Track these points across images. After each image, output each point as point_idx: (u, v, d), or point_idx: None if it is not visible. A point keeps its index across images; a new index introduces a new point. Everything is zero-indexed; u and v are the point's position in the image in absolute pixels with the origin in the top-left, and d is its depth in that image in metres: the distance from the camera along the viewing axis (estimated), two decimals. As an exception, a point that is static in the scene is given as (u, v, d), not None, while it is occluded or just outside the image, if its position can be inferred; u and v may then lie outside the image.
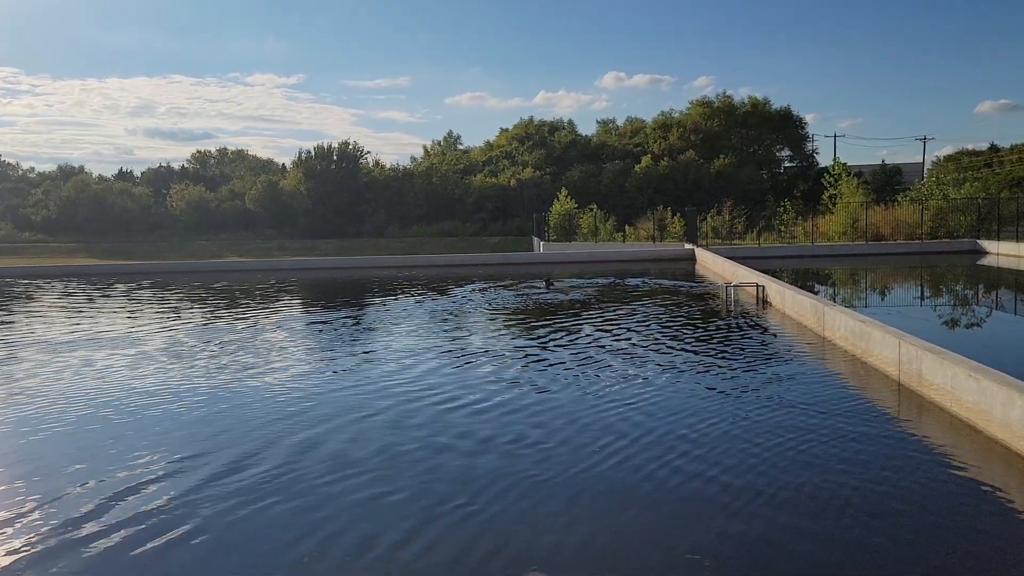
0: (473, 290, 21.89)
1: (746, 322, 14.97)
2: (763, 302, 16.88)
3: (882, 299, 19.32)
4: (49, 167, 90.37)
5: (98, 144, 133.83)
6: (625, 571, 4.82)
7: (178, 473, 6.68)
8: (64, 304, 21.51)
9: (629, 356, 11.41)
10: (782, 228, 38.75)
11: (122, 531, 5.50)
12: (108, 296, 23.36)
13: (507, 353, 11.95)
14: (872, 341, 10.17)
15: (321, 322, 16.29)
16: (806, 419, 7.90)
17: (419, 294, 21.18)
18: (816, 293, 17.18)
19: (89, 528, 5.56)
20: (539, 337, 13.55)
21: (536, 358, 11.48)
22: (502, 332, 14.62)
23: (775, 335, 13.32)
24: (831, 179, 40.50)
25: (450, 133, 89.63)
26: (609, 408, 8.46)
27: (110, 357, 12.44)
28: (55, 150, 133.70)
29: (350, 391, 9.67)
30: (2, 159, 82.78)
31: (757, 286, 17.60)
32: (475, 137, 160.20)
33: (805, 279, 23.76)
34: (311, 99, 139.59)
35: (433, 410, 8.59)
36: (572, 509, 5.75)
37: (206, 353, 12.66)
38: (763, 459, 6.69)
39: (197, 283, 27.05)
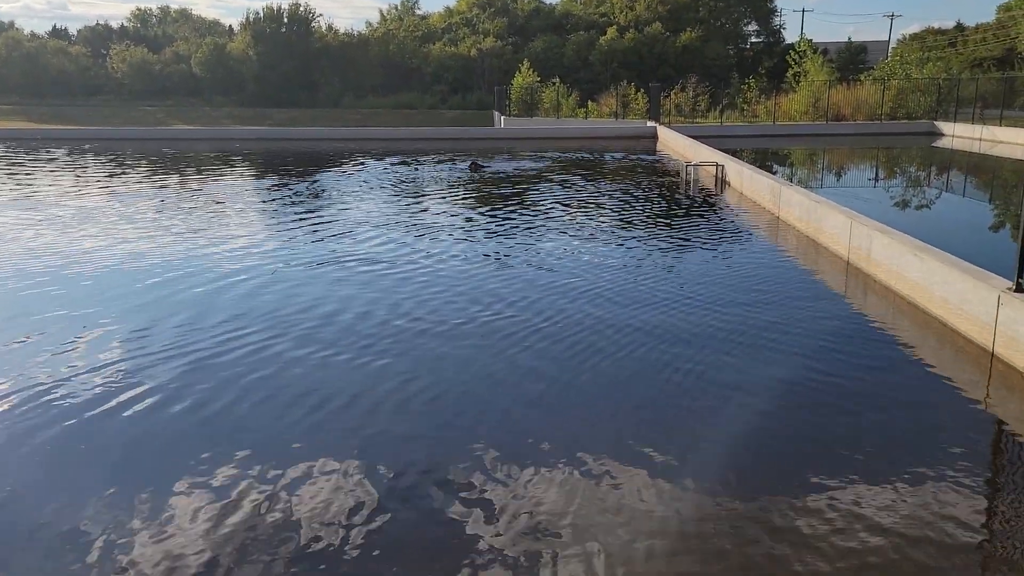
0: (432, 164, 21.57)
1: (703, 202, 15.10)
2: (722, 182, 16.98)
3: (837, 180, 19.59)
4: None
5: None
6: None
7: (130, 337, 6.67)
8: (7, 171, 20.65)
9: (579, 233, 11.49)
10: (745, 107, 38.46)
11: (112, 397, 5.54)
12: (62, 164, 22.46)
13: (455, 225, 11.94)
14: (825, 221, 10.38)
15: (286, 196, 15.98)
16: (754, 296, 8.14)
17: (381, 169, 20.81)
18: (775, 173, 17.31)
19: (60, 396, 5.58)
20: (490, 211, 13.52)
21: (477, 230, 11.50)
22: (450, 204, 14.55)
23: (730, 214, 13.52)
24: (796, 56, 39.99)
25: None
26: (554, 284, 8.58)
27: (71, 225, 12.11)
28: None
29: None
30: (-78, 12, 76.74)
31: (717, 165, 17.65)
32: (434, 2, 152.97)
33: (764, 159, 23.88)
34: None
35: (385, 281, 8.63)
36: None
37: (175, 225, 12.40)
38: (705, 335, 6.91)
39: (146, 152, 26.08)
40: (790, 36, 70.93)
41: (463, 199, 15.55)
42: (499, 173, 19.47)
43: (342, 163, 22.09)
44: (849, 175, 20.85)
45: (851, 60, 64.05)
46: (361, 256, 10.03)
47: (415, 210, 13.95)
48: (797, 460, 4.76)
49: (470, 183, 17.78)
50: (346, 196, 15.56)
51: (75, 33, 79.70)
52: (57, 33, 78.78)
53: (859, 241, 9.16)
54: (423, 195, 15.84)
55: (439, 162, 22.29)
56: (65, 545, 3.85)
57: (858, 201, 13.67)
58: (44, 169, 21.14)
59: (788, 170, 21.81)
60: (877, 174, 21.14)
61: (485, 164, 21.05)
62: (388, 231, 11.70)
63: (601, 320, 7.26)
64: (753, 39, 74.10)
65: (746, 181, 15.13)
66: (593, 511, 4.11)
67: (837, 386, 5.80)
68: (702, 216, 13.47)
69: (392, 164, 21.63)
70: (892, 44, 72.95)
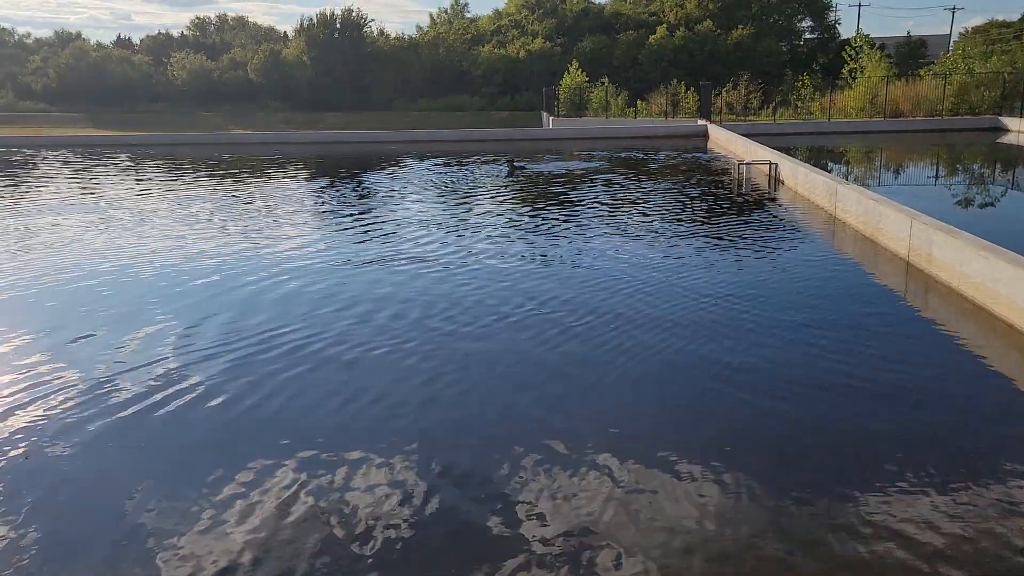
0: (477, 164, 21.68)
1: (757, 201, 14.87)
2: (776, 180, 16.69)
3: (896, 178, 19.07)
4: (45, 33, 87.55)
5: (94, 8, 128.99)
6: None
7: (187, 337, 6.88)
8: (85, 175, 21.45)
9: (625, 232, 11.42)
10: (799, 104, 37.69)
11: (146, 398, 5.73)
12: (131, 169, 23.25)
13: (507, 224, 11.98)
14: (884, 220, 10.13)
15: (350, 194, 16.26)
16: (809, 296, 7.99)
17: (429, 169, 21.02)
18: (830, 171, 16.94)
19: (114, 389, 5.79)
20: (538, 209, 13.53)
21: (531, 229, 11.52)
22: (503, 203, 14.60)
23: (784, 213, 13.28)
24: (852, 52, 39.02)
25: (456, 0, 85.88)
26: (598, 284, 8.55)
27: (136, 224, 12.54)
28: (51, 15, 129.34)
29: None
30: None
31: (770, 164, 17.35)
32: (483, 4, 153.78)
33: (819, 157, 23.38)
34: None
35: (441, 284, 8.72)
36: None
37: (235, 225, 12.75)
38: (762, 336, 6.81)
39: (203, 156, 26.81)
40: (846, 31, 69.31)
41: (508, 199, 15.60)
42: (544, 173, 19.48)
43: (390, 165, 22.36)
44: (908, 173, 20.28)
45: (910, 55, 62.11)
46: (406, 255, 10.17)
47: (460, 210, 14.06)
48: (860, 466, 4.67)
49: (515, 183, 17.83)
50: (393, 197, 15.76)
51: (138, 42, 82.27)
52: (121, 43, 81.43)
53: (920, 241, 8.92)
54: (468, 195, 15.95)
55: (484, 163, 22.40)
56: (121, 539, 4.00)
57: (918, 200, 13.30)
58: (108, 174, 21.88)
59: (844, 168, 21.31)
60: (938, 172, 20.52)
61: (521, 164, 21.03)
62: (434, 231, 11.81)
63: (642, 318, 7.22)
64: (807, 35, 72.51)
65: (801, 179, 14.85)
66: (630, 515, 4.10)
67: (897, 386, 5.66)
68: (755, 215, 13.26)
69: (439, 165, 21.82)
70: (954, 38, 70.71)
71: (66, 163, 25.05)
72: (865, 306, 7.71)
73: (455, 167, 21.48)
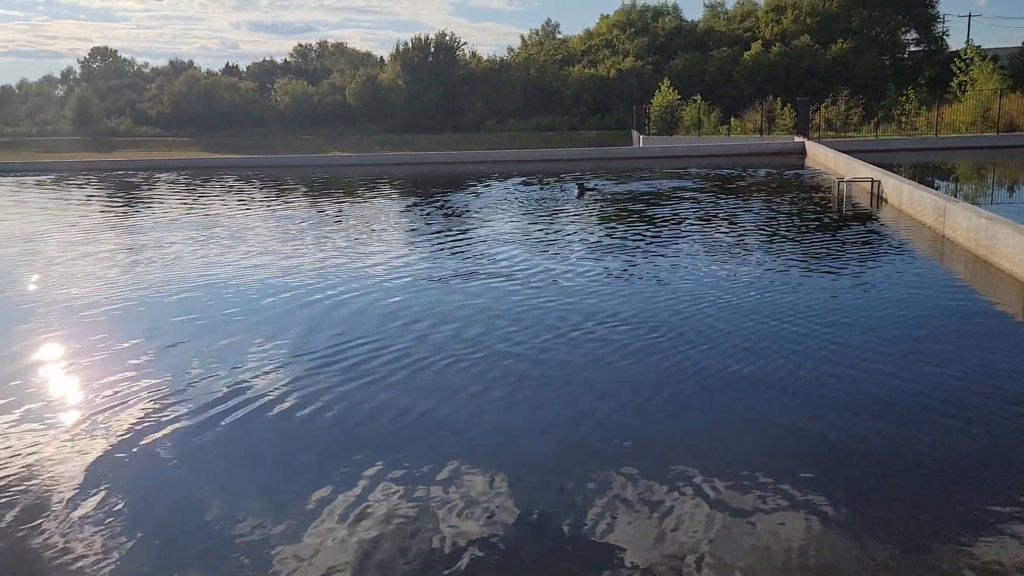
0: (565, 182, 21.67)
1: (858, 219, 14.27)
2: (879, 199, 15.99)
3: (1011, 195, 17.96)
4: (161, 62, 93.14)
5: (205, 38, 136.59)
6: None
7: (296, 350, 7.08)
8: (190, 194, 22.66)
9: (728, 251, 11.12)
10: (903, 119, 36.09)
11: (254, 402, 5.92)
12: (241, 189, 24.43)
13: (606, 240, 11.87)
14: (999, 240, 9.51)
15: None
16: (917, 318, 7.57)
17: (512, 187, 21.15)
18: (937, 189, 16.10)
19: (222, 400, 6.00)
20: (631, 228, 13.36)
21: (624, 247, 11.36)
22: (598, 221, 14.49)
23: (888, 232, 12.68)
24: (962, 64, 37.15)
25: (548, 22, 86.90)
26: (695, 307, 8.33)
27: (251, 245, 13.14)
28: (166, 45, 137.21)
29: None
30: (119, 55, 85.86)
31: (872, 181, 16.64)
32: (574, 25, 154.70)
33: (925, 174, 22.28)
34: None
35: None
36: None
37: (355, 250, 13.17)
38: (872, 362, 6.47)
39: (303, 177, 27.85)
40: (955, 43, 66.03)
41: (591, 217, 15.48)
42: (632, 191, 19.27)
43: (479, 185, 22.62)
44: (1025, 190, 19.06)
45: (1026, 66, 58.64)
46: (489, 272, 10.20)
47: (545, 228, 14.03)
48: (967, 506, 4.34)
49: (599, 201, 17.70)
50: (476, 216, 15.91)
51: (244, 69, 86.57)
52: (229, 70, 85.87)
53: (1039, 261, 8.32)
54: (552, 213, 15.91)
55: (568, 182, 22.33)
56: (222, 544, 4.12)
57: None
58: (213, 194, 23.00)
59: (953, 185, 20.22)
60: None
61: (591, 186, 20.26)
62: (518, 248, 11.83)
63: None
64: (912, 48, 69.51)
65: (906, 197, 14.16)
66: (720, 538, 3.92)
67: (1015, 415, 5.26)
68: (856, 233, 12.72)
69: (525, 184, 21.91)
70: (1076, 47, 66.28)
71: (175, 184, 26.50)
72: (980, 336, 7.23)
73: (537, 186, 21.52)
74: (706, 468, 4.67)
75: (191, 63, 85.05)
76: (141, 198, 23.05)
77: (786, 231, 13.01)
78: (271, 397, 6.06)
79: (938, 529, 4.01)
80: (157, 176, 30.09)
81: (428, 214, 16.85)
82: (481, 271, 10.47)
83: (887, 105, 38.93)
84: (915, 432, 5.12)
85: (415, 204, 18.81)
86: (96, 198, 23.47)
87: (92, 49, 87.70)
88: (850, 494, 4.36)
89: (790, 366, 6.34)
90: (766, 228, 13.33)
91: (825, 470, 4.69)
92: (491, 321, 7.92)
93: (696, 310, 8.02)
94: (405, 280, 10.12)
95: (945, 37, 68.35)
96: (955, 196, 15.41)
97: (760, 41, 63.78)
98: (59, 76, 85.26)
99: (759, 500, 4.30)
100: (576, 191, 19.22)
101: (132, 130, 68.22)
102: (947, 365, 6.31)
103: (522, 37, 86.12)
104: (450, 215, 16.44)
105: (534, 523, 4.20)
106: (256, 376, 6.54)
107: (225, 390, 6.23)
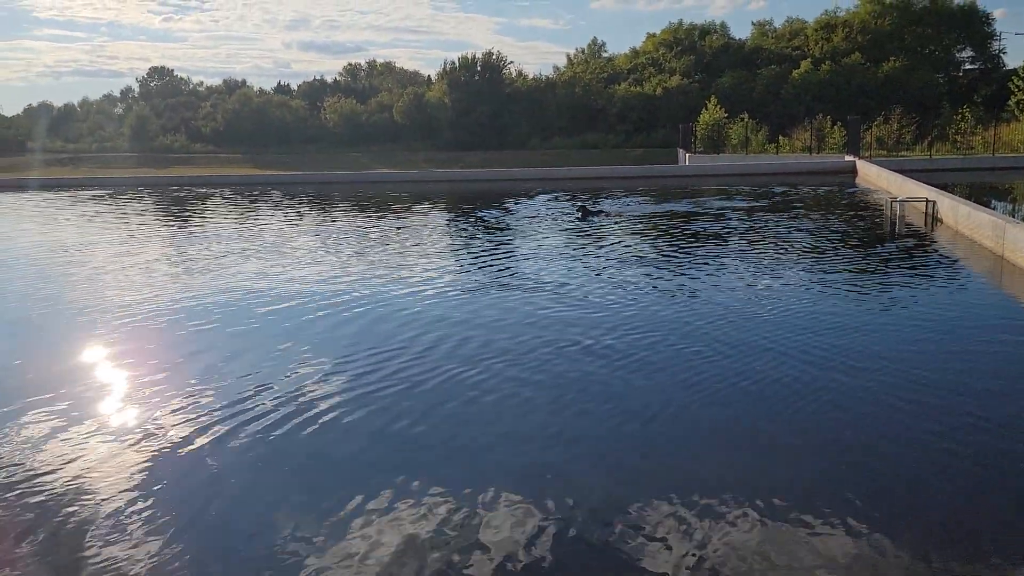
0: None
1: (911, 240, 13.93)
2: (934, 219, 15.58)
3: (1075, 217, 17.35)
4: (215, 81, 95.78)
5: (259, 58, 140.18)
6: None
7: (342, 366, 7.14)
8: (245, 211, 23.17)
9: (757, 272, 10.93)
10: (958, 138, 35.22)
11: (289, 420, 5.98)
12: (288, 206, 24.94)
13: (652, 256, 11.78)
14: (1062, 263, 9.19)
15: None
16: (980, 347, 7.33)
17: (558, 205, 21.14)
18: (995, 210, 15.64)
19: (257, 416, 6.08)
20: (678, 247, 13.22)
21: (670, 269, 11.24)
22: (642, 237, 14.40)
23: (945, 254, 12.34)
24: (1020, 83, 36.18)
25: (594, 40, 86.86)
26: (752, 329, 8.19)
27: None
28: (221, 64, 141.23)
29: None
30: (176, 74, 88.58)
31: (927, 201, 16.23)
32: (620, 44, 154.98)
33: (982, 194, 21.68)
34: (456, 8, 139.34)
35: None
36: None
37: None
38: (930, 395, 6.28)
39: (350, 194, 28.26)
40: (1012, 60, 64.38)
41: (639, 236, 15.36)
42: (673, 210, 19.10)
43: (523, 201, 22.66)
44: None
45: (1089, 84, 56.84)
46: (526, 287, 10.16)
47: (584, 245, 13.98)
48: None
49: (645, 219, 17.56)
50: (521, 232, 15.91)
51: (295, 88, 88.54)
52: (281, 89, 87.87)
53: (1107, 285, 8.00)
54: (588, 232, 15.82)
55: (616, 199, 22.25)
56: (264, 553, 4.15)
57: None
58: (262, 209, 23.47)
59: (1012, 206, 19.63)
60: None
61: (598, 208, 18.97)
62: (555, 264, 11.80)
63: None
64: (967, 66, 67.98)
65: (962, 218, 13.77)
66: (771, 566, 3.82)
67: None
68: (911, 256, 12.41)
69: (568, 201, 21.87)
70: None
71: (226, 199, 27.13)
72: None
73: (577, 202, 21.49)
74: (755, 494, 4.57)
75: (244, 82, 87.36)
76: (193, 212, 23.63)
77: (840, 253, 12.74)
78: (320, 408, 6.10)
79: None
80: (210, 191, 30.86)
81: (469, 230, 16.91)
82: (531, 286, 10.46)
83: (941, 124, 38.05)
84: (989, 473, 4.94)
85: (457, 219, 18.91)
86: (149, 212, 24.16)
87: (150, 68, 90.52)
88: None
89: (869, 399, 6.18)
90: (817, 250, 13.06)
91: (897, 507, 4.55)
92: (560, 331, 7.88)
93: (783, 350, 7.87)
94: (462, 293, 10.16)
95: (1002, 55, 66.74)
96: (1013, 216, 14.94)
97: (810, 59, 63.03)
98: (119, 95, 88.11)
99: (810, 527, 4.18)
100: (579, 214, 17.61)
101: (186, 147, 70.21)
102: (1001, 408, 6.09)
103: (568, 56, 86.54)
104: (492, 230, 16.48)
105: (569, 542, 4.14)
106: (306, 386, 6.60)
107: (274, 401, 6.29)
